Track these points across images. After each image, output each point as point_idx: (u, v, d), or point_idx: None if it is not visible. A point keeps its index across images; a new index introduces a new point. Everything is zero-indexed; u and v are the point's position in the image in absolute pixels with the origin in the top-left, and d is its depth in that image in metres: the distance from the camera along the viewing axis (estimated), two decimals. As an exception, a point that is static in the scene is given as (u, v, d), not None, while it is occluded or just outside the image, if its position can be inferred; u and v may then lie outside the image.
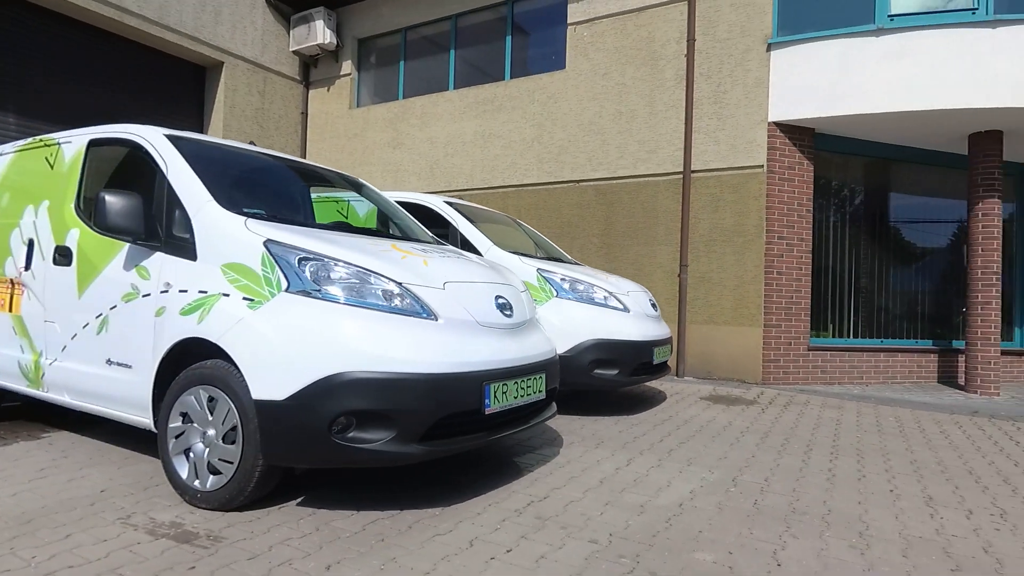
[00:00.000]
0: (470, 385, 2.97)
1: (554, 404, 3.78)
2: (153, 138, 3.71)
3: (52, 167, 4.19)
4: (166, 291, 3.28)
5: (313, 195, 4.84)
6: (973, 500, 3.48)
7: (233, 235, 3.17)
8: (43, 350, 3.92)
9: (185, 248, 3.28)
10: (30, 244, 4.09)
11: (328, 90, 11.80)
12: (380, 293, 2.98)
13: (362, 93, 11.69)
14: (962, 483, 3.80)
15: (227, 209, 3.28)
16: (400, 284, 3.03)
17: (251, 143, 4.42)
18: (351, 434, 2.77)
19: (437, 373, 2.85)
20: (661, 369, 5.70)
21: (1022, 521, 3.17)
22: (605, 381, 5.17)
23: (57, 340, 3.83)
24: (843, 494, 3.51)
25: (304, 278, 2.96)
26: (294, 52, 11.57)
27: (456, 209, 6.01)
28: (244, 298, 3.00)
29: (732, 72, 7.99)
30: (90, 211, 3.87)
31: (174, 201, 3.41)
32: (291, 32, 11.48)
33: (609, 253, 8.70)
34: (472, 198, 9.76)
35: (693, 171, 8.15)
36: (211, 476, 2.98)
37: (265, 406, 2.80)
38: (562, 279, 5.31)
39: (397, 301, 2.98)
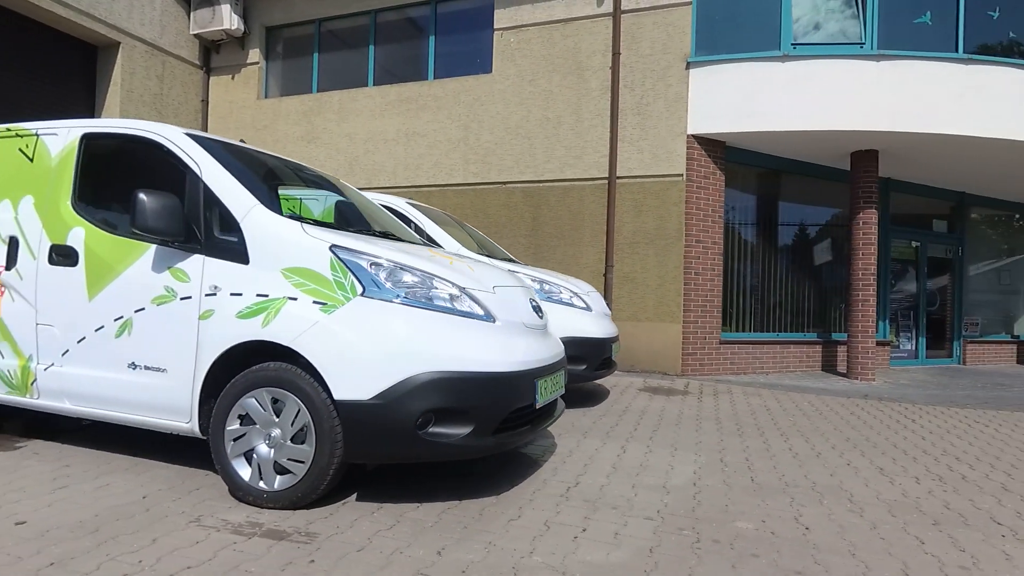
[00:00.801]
0: (527, 382, 3.19)
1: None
2: (176, 138, 3.56)
3: (32, 160, 3.88)
4: (213, 294, 3.21)
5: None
6: (913, 468, 4.09)
7: (293, 240, 3.17)
8: (33, 354, 3.66)
9: (232, 251, 3.22)
10: (12, 242, 3.78)
11: (233, 78, 11.16)
12: (447, 297, 3.10)
13: (270, 83, 11.17)
14: (895, 455, 4.43)
15: (276, 213, 3.28)
16: (463, 289, 3.16)
17: (241, 140, 4.23)
18: (433, 430, 2.90)
19: (506, 372, 3.05)
20: (613, 364, 6.07)
21: (959, 484, 3.78)
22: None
23: (55, 344, 3.58)
24: (814, 469, 3.98)
25: (379, 283, 3.04)
26: (195, 35, 10.83)
27: (421, 211, 5.99)
28: (315, 302, 3.02)
29: (654, 86, 8.56)
30: (96, 209, 3.71)
31: (214, 204, 3.33)
32: (192, 14, 10.72)
33: (537, 253, 9.00)
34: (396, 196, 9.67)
35: (618, 177, 8.64)
36: (278, 476, 2.99)
37: (349, 406, 2.87)
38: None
39: (462, 305, 3.11)
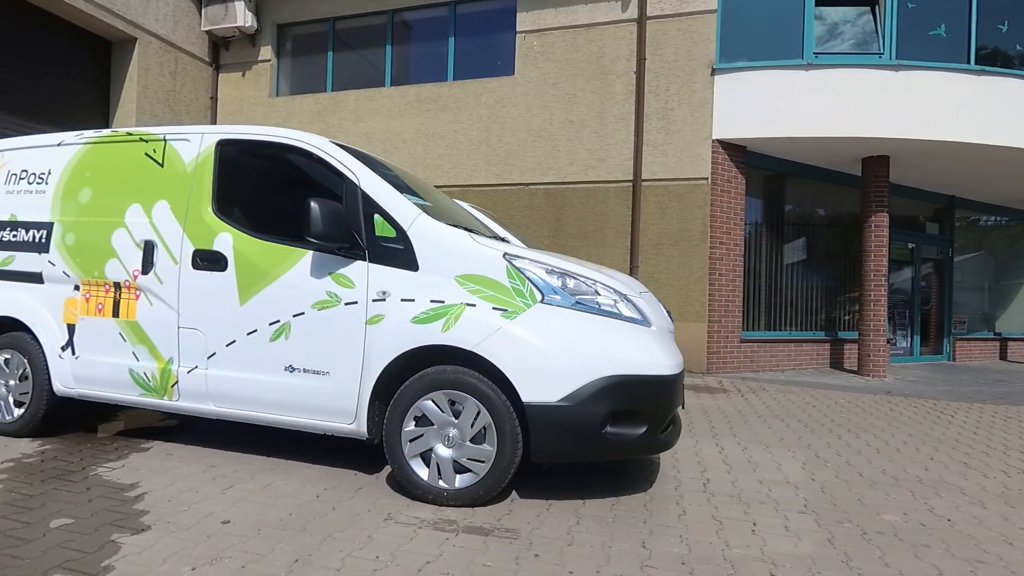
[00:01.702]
0: (681, 384, 3.38)
1: None
2: (327, 146, 3.64)
3: (162, 165, 3.92)
4: (381, 299, 3.29)
5: None
6: (992, 462, 4.33)
7: (465, 248, 3.28)
8: (174, 357, 3.72)
9: (399, 258, 3.31)
10: (148, 246, 3.82)
11: (243, 75, 10.94)
12: (612, 303, 3.23)
13: (281, 81, 11.00)
14: (966, 449, 4.69)
15: (440, 221, 3.38)
16: (623, 295, 3.28)
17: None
18: (613, 430, 3.05)
19: (670, 375, 3.20)
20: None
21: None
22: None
23: (200, 347, 3.66)
24: (905, 463, 4.20)
25: (557, 290, 3.18)
26: (205, 32, 10.58)
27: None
28: (494, 308, 3.14)
29: (679, 92, 8.75)
30: (241, 215, 3.79)
31: (376, 212, 3.41)
32: (203, 10, 10.48)
33: (561, 253, 9.09)
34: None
35: (643, 180, 8.81)
36: (458, 475, 3.12)
37: (537, 408, 3.01)
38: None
39: (625, 310, 3.24)
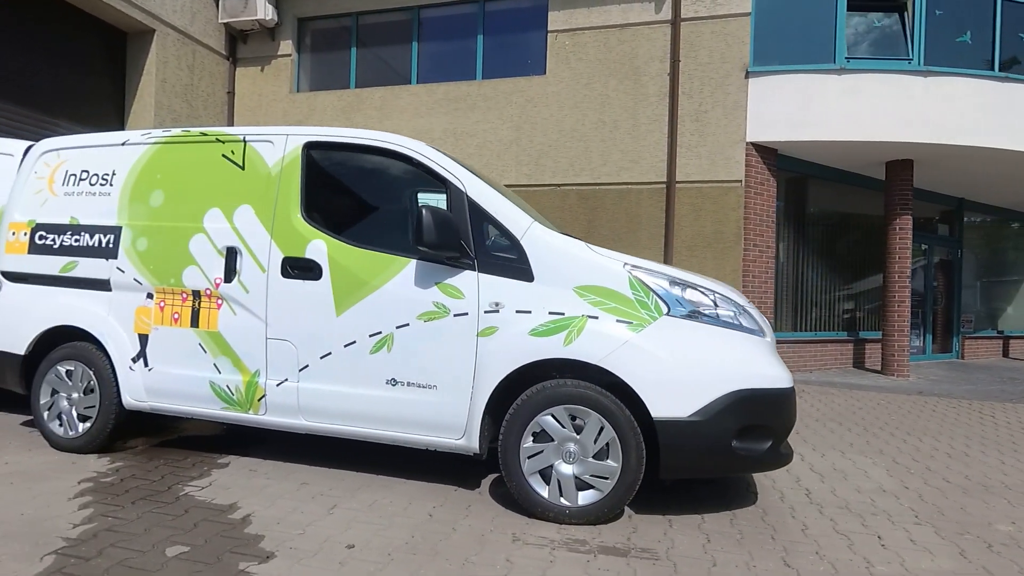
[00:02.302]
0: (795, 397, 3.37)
1: None
2: (430, 152, 3.56)
3: (243, 167, 3.79)
4: (495, 311, 3.23)
5: None
6: None
7: (584, 259, 3.23)
8: (261, 369, 3.61)
9: (512, 268, 3.25)
10: (231, 253, 3.69)
11: (262, 70, 10.79)
12: (732, 314, 3.20)
13: (302, 77, 10.86)
14: None
15: (553, 231, 3.33)
16: (741, 307, 3.26)
17: None
18: (742, 444, 3.04)
19: (789, 387, 3.20)
20: None
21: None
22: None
23: (291, 359, 3.55)
24: (983, 468, 4.34)
25: (683, 302, 3.16)
26: (223, 24, 10.41)
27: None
28: (619, 321, 3.09)
29: (712, 94, 8.82)
30: (334, 222, 3.68)
31: (485, 220, 3.35)
32: (221, 2, 10.29)
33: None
34: (446, 196, 9.64)
35: (677, 182, 8.88)
36: (580, 493, 3.07)
37: (668, 423, 2.99)
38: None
39: (745, 321, 3.22)
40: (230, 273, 3.67)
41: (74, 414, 3.99)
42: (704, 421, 2.97)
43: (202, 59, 10.26)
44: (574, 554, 2.74)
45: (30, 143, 4.94)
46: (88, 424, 3.95)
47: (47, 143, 4.33)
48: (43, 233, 4.14)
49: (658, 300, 3.12)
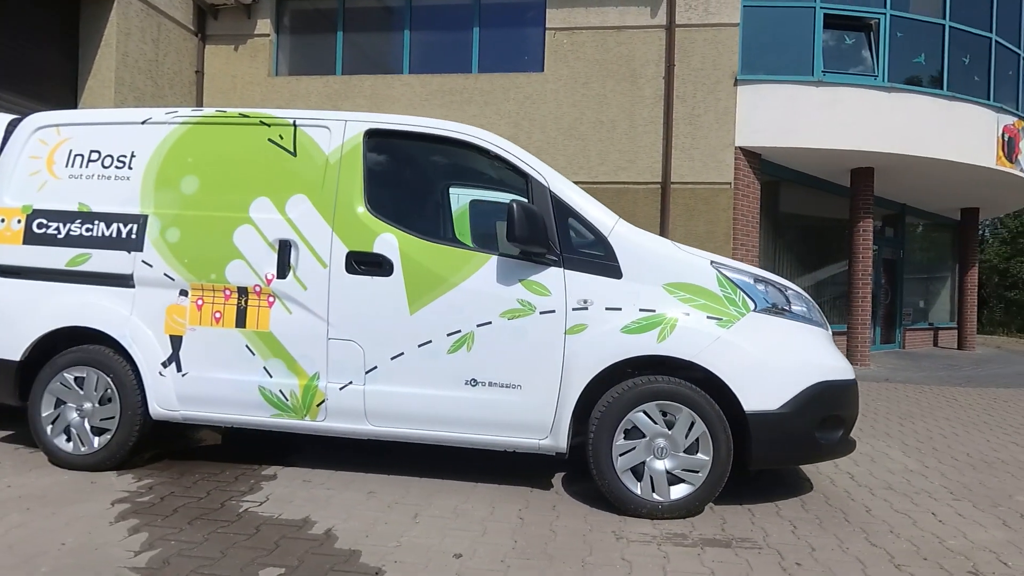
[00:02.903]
0: None
1: None
2: (507, 144, 3.49)
3: (295, 153, 3.55)
4: (583, 308, 3.22)
5: None
6: None
7: (673, 256, 3.31)
8: (321, 372, 3.40)
9: (599, 265, 3.26)
10: (284, 246, 3.44)
11: (236, 50, 10.31)
12: (806, 309, 3.40)
13: (281, 59, 10.46)
14: (1003, 430, 5.38)
15: (633, 227, 3.37)
16: (810, 302, 3.47)
17: None
18: (822, 434, 3.23)
19: (855, 378, 3.40)
20: None
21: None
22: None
23: (356, 361, 3.37)
24: (977, 445, 4.83)
25: (767, 298, 3.29)
26: (196, -2, 9.87)
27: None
28: (709, 317, 3.18)
29: (704, 99, 9.23)
30: (403, 215, 3.55)
31: (569, 216, 3.33)
32: (196, -26, 9.76)
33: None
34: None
35: (671, 183, 9.25)
36: (671, 488, 3.14)
37: (759, 416, 3.11)
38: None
39: (813, 315, 3.43)
40: (284, 268, 3.42)
41: (87, 427, 3.55)
42: (791, 413, 3.11)
43: (168, 33, 9.68)
44: (681, 548, 2.83)
45: (13, 116, 4.45)
46: (106, 438, 3.53)
47: (41, 118, 3.85)
48: (43, 221, 3.65)
49: (745, 296, 3.22)
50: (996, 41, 10.13)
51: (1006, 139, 10.01)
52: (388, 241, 3.37)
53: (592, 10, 9.43)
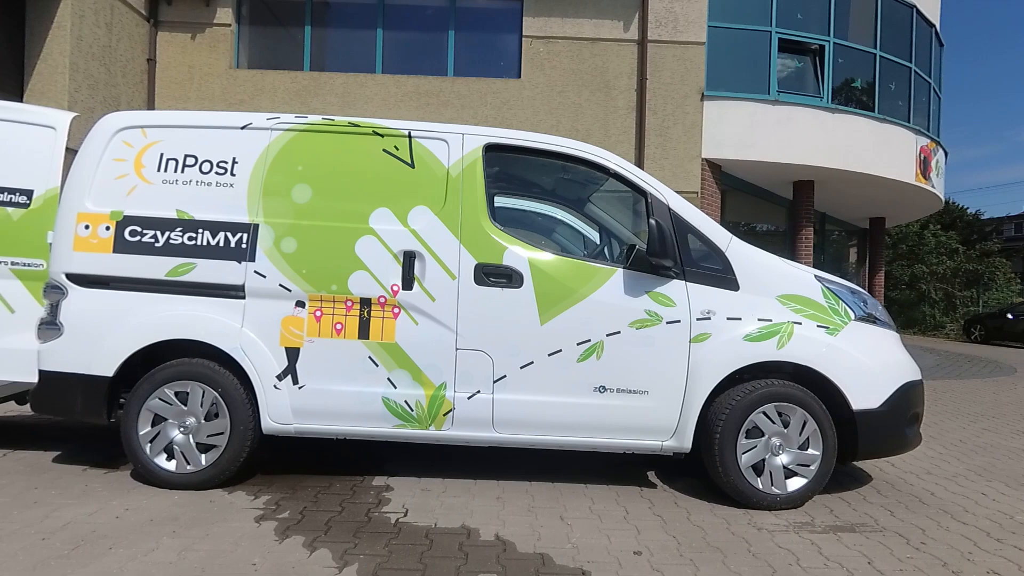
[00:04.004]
0: None
1: None
2: (626, 164, 3.70)
3: (413, 165, 3.58)
4: (706, 318, 3.48)
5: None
6: (1002, 426, 5.83)
7: (783, 270, 3.65)
8: (448, 383, 3.47)
9: (717, 278, 3.53)
10: (409, 257, 3.48)
11: (193, 39, 9.69)
12: (884, 315, 3.80)
13: (243, 52, 9.94)
14: (970, 419, 6.15)
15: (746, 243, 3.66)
16: (885, 309, 3.88)
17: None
18: (909, 429, 3.65)
19: (922, 378, 3.83)
20: None
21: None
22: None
23: (485, 371, 3.47)
24: (961, 433, 5.48)
25: (863, 308, 3.69)
26: (154, -18, 9.20)
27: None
28: (818, 326, 3.53)
29: (674, 112, 9.74)
30: (527, 229, 3.73)
31: (688, 232, 3.56)
32: (155, -43, 9.10)
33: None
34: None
35: (643, 190, 9.68)
36: (787, 480, 3.47)
37: (865, 414, 3.49)
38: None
39: (886, 318, 3.82)
40: (409, 279, 3.46)
41: (192, 444, 3.46)
42: (887, 411, 3.51)
43: (121, 17, 8.99)
44: (818, 535, 3.12)
45: (74, 114, 4.29)
46: (213, 454, 3.44)
47: (122, 118, 3.70)
48: (137, 228, 3.51)
49: (845, 307, 3.60)
50: (915, 71, 11.36)
51: (922, 158, 11.27)
52: (517, 254, 3.49)
53: (568, 21, 9.68)
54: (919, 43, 11.47)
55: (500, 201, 3.67)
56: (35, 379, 3.76)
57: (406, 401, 3.46)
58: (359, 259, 3.47)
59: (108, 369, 3.46)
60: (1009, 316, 18.09)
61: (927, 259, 24.20)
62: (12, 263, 3.97)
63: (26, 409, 4.93)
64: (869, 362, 3.55)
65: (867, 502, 3.67)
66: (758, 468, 3.47)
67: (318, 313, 3.47)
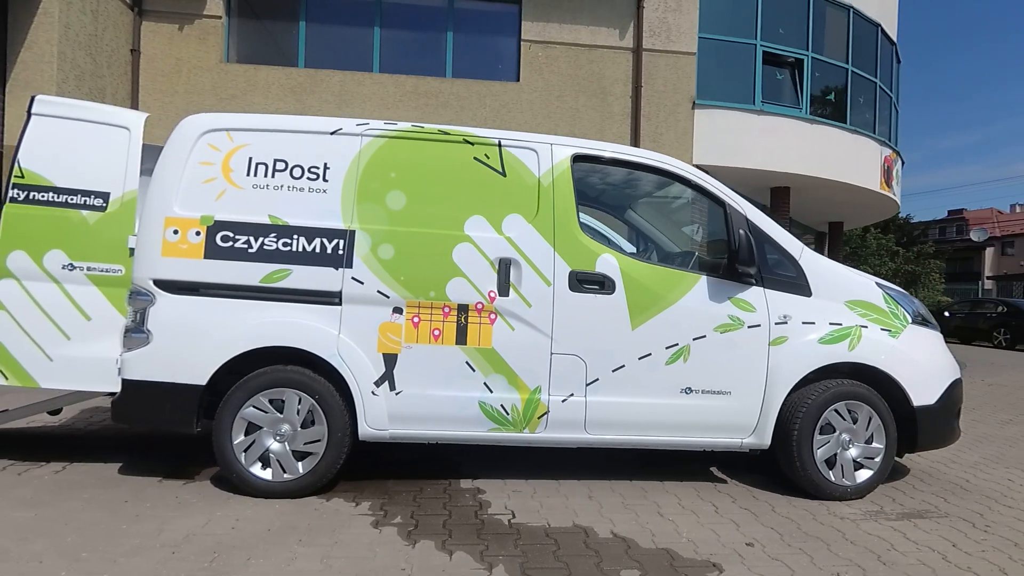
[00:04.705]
0: None
1: None
2: (706, 176, 3.88)
3: (504, 174, 3.67)
4: (783, 323, 3.72)
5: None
6: (986, 416, 6.35)
7: (850, 277, 3.95)
8: (543, 386, 3.57)
9: (792, 284, 3.77)
10: (504, 264, 3.56)
11: (181, 30, 9.38)
12: (932, 318, 4.12)
13: (234, 45, 9.68)
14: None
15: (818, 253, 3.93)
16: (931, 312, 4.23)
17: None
18: (955, 422, 3.99)
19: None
20: None
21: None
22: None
23: (578, 374, 3.59)
24: (1001, 428, 5.93)
25: (915, 312, 4.00)
26: (144, -30, 8.86)
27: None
28: (882, 329, 3.82)
29: (666, 119, 10.06)
30: (617, 236, 3.89)
31: (764, 241, 3.77)
32: (146, -55, 8.76)
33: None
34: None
35: (637, 194, 9.97)
36: (856, 472, 3.74)
37: (923, 409, 3.80)
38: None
39: (935, 322, 4.16)
40: (504, 286, 3.53)
41: (288, 452, 3.43)
42: (941, 407, 3.83)
43: (106, 4, 8.62)
44: (895, 522, 3.38)
45: (146, 114, 4.17)
46: (310, 462, 3.43)
47: (207, 120, 3.64)
48: (229, 233, 3.46)
49: (903, 311, 3.91)
50: (879, 85, 12.07)
51: (885, 167, 12.00)
52: (609, 261, 3.63)
53: (566, 27, 9.85)
54: (883, 59, 12.20)
55: (591, 209, 3.82)
56: (109, 389, 3.68)
57: (502, 405, 3.54)
58: (457, 266, 3.53)
59: (200, 378, 3.40)
60: (947, 314, 19.36)
61: (870, 260, 25.60)
62: (88, 268, 3.77)
63: (37, 420, 4.77)
64: (925, 362, 3.88)
65: (917, 491, 3.97)
66: (830, 462, 3.71)
67: (415, 319, 3.51)
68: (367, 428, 3.49)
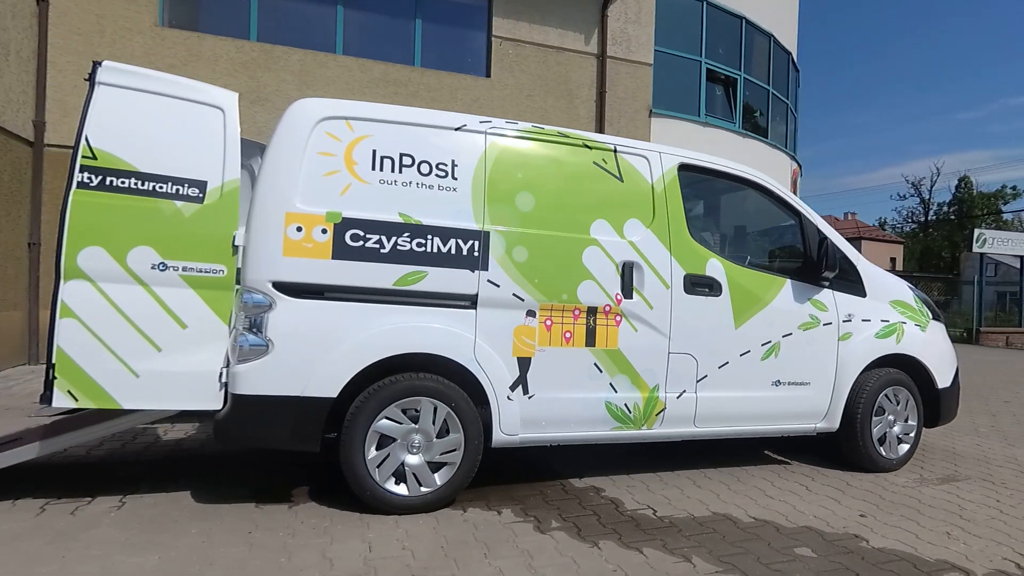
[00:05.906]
0: None
1: None
2: (784, 188, 4.24)
3: (621, 179, 3.74)
4: (848, 320, 4.19)
5: None
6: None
7: (891, 280, 4.57)
8: (660, 384, 3.72)
9: (852, 286, 4.25)
10: (627, 268, 3.64)
11: (108, -17, 8.00)
12: (941, 313, 4.76)
13: (172, 8, 8.45)
14: None
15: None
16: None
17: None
18: (959, 400, 4.72)
19: None
20: None
21: None
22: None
23: (690, 372, 3.78)
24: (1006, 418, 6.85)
25: (935, 311, 4.60)
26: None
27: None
28: (915, 325, 4.44)
29: (627, 125, 10.34)
30: (715, 240, 4.16)
31: (830, 247, 4.06)
32: None
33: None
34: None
35: (601, 198, 10.13)
36: (899, 446, 4.32)
37: (944, 391, 4.49)
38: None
39: (940, 315, 4.81)
40: (628, 288, 3.63)
41: (425, 464, 3.24)
42: (953, 388, 4.57)
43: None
44: (942, 486, 3.94)
45: (236, 94, 3.55)
46: (448, 473, 3.26)
47: (323, 107, 3.29)
48: (359, 232, 3.19)
49: (927, 310, 4.56)
50: (789, 106, 13.31)
51: (792, 180, 13.26)
52: (715, 266, 3.86)
53: (535, 27, 9.78)
54: (791, 82, 13.45)
55: (695, 215, 4.04)
56: (209, 406, 3.17)
57: (625, 404, 3.64)
58: (587, 269, 3.55)
59: (332, 390, 3.12)
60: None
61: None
62: (184, 268, 3.13)
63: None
64: (943, 352, 4.57)
65: (942, 461, 4.57)
66: (880, 440, 4.23)
67: (548, 322, 3.49)
68: (501, 434, 3.39)
